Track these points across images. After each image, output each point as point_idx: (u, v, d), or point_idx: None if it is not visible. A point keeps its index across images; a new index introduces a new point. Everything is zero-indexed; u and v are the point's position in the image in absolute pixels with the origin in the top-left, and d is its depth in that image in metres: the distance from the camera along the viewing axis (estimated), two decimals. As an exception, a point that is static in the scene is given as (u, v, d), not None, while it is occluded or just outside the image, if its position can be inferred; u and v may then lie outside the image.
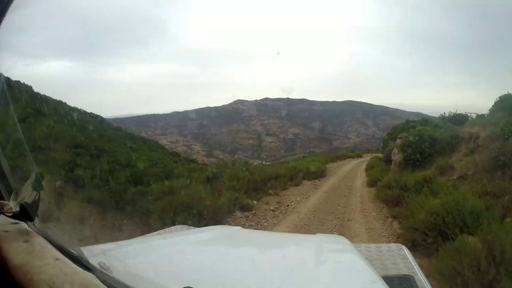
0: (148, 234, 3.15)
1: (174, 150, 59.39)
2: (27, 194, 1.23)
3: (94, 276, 1.00)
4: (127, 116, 76.01)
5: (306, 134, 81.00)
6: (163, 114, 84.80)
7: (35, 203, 1.20)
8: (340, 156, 32.81)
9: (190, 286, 1.10)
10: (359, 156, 35.85)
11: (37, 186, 1.23)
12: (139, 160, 13.17)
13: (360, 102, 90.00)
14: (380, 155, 27.27)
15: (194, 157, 64.40)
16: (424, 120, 19.73)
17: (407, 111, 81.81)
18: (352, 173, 19.95)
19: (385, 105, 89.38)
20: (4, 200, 1.29)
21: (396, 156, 15.54)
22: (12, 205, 1.23)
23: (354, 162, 27.73)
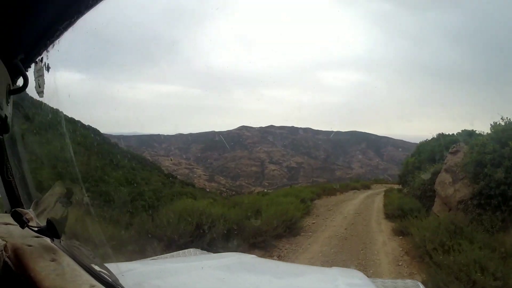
0: (162, 256, 3.13)
1: (170, 172, 59.17)
2: (50, 205, 1.20)
3: None
4: (131, 134, 75.12)
5: (310, 163, 79.62)
6: (167, 135, 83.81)
7: (63, 220, 1.15)
8: (342, 187, 27.20)
9: None
10: (367, 187, 31.43)
11: (66, 202, 1.18)
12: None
13: (364, 132, 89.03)
14: (397, 186, 25.70)
15: (195, 181, 63.60)
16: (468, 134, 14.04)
17: (411, 142, 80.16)
18: (361, 224, 11.67)
19: (389, 136, 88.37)
20: (23, 207, 1.25)
21: (450, 190, 9.20)
22: (33, 215, 1.19)
23: (361, 196, 22.57)
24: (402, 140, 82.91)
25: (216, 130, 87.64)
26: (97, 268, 1.10)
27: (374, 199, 19.15)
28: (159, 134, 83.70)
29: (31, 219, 1.19)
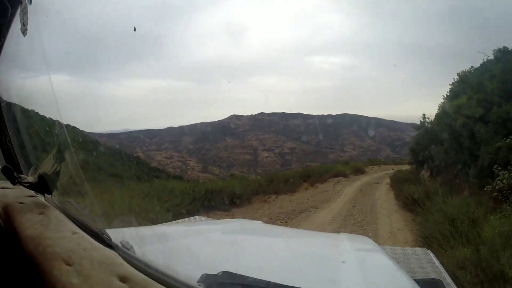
0: (167, 223, 3.22)
1: (162, 166, 58.91)
2: (48, 167, 1.19)
3: (116, 254, 0.94)
4: (122, 131, 72.08)
5: (302, 148, 79.61)
6: (158, 130, 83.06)
7: (55, 175, 1.17)
8: (319, 172, 20.82)
9: (221, 271, 1.05)
10: (359, 171, 24.26)
11: (59, 158, 1.17)
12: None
13: (355, 115, 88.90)
14: (405, 167, 22.63)
15: (189, 172, 64.66)
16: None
17: (402, 122, 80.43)
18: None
19: (380, 117, 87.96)
20: (22, 174, 1.26)
21: None
22: (31, 179, 1.21)
23: (346, 192, 14.79)
24: (394, 121, 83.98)
25: (207, 121, 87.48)
26: (87, 221, 1.08)
27: (376, 206, 11.64)
28: (150, 129, 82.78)
29: (26, 179, 1.20)
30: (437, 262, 2.63)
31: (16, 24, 1.27)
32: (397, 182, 14.62)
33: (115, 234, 1.13)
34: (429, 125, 15.20)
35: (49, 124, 1.44)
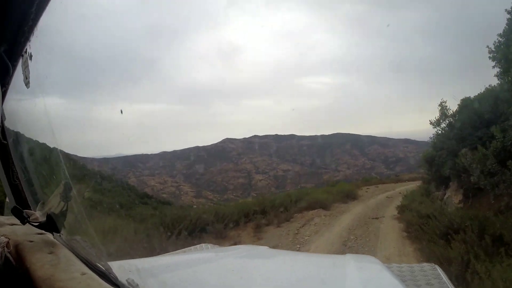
0: (174, 252, 3.04)
1: (156, 192, 58.24)
2: (55, 204, 1.22)
3: None
4: (115, 156, 73.50)
5: (296, 170, 79.28)
6: (152, 154, 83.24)
7: (63, 214, 1.20)
8: (287, 204, 14.66)
9: None
10: (351, 197, 17.93)
11: (66, 196, 1.21)
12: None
13: (348, 133, 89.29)
14: (413, 184, 18.98)
15: (183, 197, 64.40)
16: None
17: (395, 138, 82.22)
18: None
19: (373, 135, 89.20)
20: (31, 210, 1.29)
21: None
22: (39, 215, 1.24)
23: (326, 241, 9.99)
24: (386, 137, 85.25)
25: (200, 145, 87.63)
26: (94, 260, 1.11)
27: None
28: (143, 154, 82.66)
29: (35, 218, 1.22)
30: (444, 278, 2.55)
31: (18, 77, 1.27)
32: (413, 218, 9.54)
33: (122, 269, 1.18)
34: (456, 118, 10.09)
35: (49, 153, 1.46)
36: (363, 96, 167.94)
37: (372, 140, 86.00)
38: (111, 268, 1.07)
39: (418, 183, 22.45)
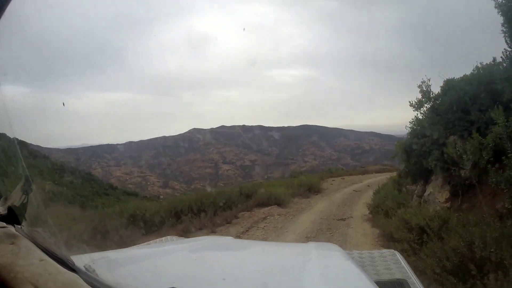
0: (138, 245, 2.88)
1: (123, 182, 57.01)
2: (16, 197, 1.23)
3: (78, 277, 1.02)
4: (80, 147, 72.83)
5: (263, 160, 78.68)
6: (118, 145, 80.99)
7: (23, 206, 1.22)
8: (233, 200, 11.99)
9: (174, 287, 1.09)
10: (314, 191, 15.73)
11: (26, 189, 1.22)
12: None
13: (315, 125, 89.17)
14: (389, 175, 16.80)
15: (149, 188, 63.17)
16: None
17: (361, 131, 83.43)
18: None
19: (340, 127, 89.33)
20: None
21: None
22: (1, 210, 1.23)
23: None
24: (353, 130, 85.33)
25: (167, 135, 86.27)
26: (54, 249, 1.13)
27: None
28: (109, 144, 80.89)
29: None
30: (403, 263, 2.53)
31: None
32: (398, 231, 6.76)
33: (82, 258, 1.22)
34: (441, 100, 8.44)
35: (7, 145, 1.43)
36: (331, 89, 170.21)
37: (338, 132, 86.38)
38: (69, 255, 1.09)
39: (386, 175, 21.10)
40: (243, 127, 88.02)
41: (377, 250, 3.07)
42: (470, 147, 6.23)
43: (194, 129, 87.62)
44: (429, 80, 8.47)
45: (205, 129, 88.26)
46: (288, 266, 1.84)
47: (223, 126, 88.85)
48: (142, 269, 1.56)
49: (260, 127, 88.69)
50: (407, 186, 11.20)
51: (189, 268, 1.68)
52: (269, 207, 11.84)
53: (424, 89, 8.44)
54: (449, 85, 8.19)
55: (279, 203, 12.39)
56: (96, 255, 1.59)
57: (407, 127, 9.27)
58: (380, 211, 9.15)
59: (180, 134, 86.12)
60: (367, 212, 10.50)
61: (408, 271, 2.39)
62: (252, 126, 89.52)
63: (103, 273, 1.17)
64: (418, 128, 8.72)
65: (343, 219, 10.34)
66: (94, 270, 1.11)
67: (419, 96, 8.41)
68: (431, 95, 8.40)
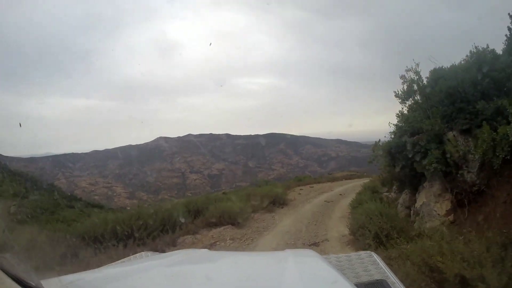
0: (112, 264, 2.62)
1: (87, 193, 54.74)
2: None
3: None
4: (44, 155, 69.91)
5: (231, 169, 77.77)
6: (82, 154, 78.54)
7: None
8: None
9: None
10: (279, 203, 12.91)
11: None
12: None
13: (282, 133, 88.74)
14: (364, 181, 15.33)
15: (116, 199, 60.66)
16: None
17: (327, 139, 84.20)
18: None
19: (307, 135, 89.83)
20: None
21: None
22: None
23: None
24: (319, 138, 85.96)
25: (133, 143, 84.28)
26: (26, 278, 1.06)
27: None
28: (73, 153, 78.70)
29: None
30: (381, 263, 2.41)
31: None
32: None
33: (55, 284, 1.19)
34: (431, 89, 6.91)
35: None
36: (299, 98, 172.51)
37: (305, 140, 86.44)
38: (41, 284, 1.04)
39: (356, 181, 19.76)
40: (210, 136, 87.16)
41: (354, 252, 2.86)
42: (481, 143, 4.67)
43: (161, 137, 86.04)
44: (417, 65, 6.82)
45: (172, 138, 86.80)
46: (267, 275, 1.80)
47: (190, 135, 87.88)
48: None
49: (228, 136, 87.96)
50: (385, 194, 9.68)
51: (167, 284, 1.60)
52: (222, 228, 9.28)
53: (413, 76, 6.77)
54: (437, 74, 6.70)
55: (235, 221, 9.74)
56: (69, 277, 1.49)
57: (390, 124, 7.33)
58: (367, 235, 6.58)
59: (146, 142, 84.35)
60: (346, 231, 8.19)
61: (386, 271, 2.28)
62: (219, 134, 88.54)
63: None
64: (405, 125, 6.89)
65: (316, 244, 7.90)
66: None
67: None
68: (421, 84, 6.75)
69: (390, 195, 8.97)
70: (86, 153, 79.48)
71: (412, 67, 6.78)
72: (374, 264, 2.48)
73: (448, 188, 5.64)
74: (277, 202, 12.86)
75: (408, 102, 7.13)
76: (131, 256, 3.01)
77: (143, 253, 3.05)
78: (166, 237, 8.23)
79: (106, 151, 79.54)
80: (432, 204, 5.79)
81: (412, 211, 6.76)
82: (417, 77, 6.83)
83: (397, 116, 7.30)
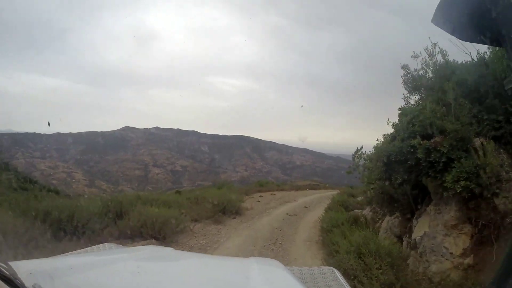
0: (75, 252, 2.58)
1: (45, 177, 51.75)
2: None
3: None
4: (4, 132, 66.30)
5: (195, 166, 76.21)
6: (45, 135, 74.30)
7: None
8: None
9: None
10: (232, 212, 10.36)
11: None
12: None
13: (250, 137, 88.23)
14: (332, 192, 13.96)
15: (74, 186, 56.66)
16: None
17: (294, 147, 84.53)
18: None
19: (274, 141, 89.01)
20: None
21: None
22: None
23: None
24: (286, 145, 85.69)
25: (98, 130, 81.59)
26: None
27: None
28: (35, 133, 75.08)
29: None
30: (342, 280, 2.40)
31: None
32: None
33: (23, 270, 1.16)
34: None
35: None
36: (270, 103, 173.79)
37: (272, 146, 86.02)
38: (16, 274, 1.04)
39: (321, 192, 18.16)
40: (178, 131, 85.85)
41: (317, 267, 2.76)
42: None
43: (127, 127, 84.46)
44: (434, 44, 5.13)
45: (138, 129, 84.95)
46: (231, 280, 1.79)
47: (157, 128, 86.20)
48: (85, 280, 1.45)
49: (195, 133, 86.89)
50: (357, 211, 8.01)
51: (133, 280, 1.57)
52: (141, 243, 6.55)
53: (428, 55, 5.00)
54: (450, 68, 4.98)
55: (165, 234, 7.21)
56: (36, 262, 1.49)
57: (388, 123, 5.47)
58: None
59: (112, 130, 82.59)
60: (315, 263, 6.22)
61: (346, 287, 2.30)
62: (187, 131, 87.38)
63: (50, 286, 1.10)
64: (416, 123, 4.79)
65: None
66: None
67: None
68: (436, 64, 4.97)
69: (364, 213, 7.23)
70: (49, 134, 75.27)
71: (427, 47, 5.05)
72: (335, 280, 2.43)
73: (468, 217, 3.88)
74: (230, 210, 10.44)
75: (415, 98, 5.36)
76: (94, 246, 2.76)
77: (106, 244, 2.87)
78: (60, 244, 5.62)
79: (70, 134, 76.99)
80: (441, 238, 3.96)
81: (405, 243, 4.99)
82: (431, 53, 5.10)
83: (400, 111, 5.42)
